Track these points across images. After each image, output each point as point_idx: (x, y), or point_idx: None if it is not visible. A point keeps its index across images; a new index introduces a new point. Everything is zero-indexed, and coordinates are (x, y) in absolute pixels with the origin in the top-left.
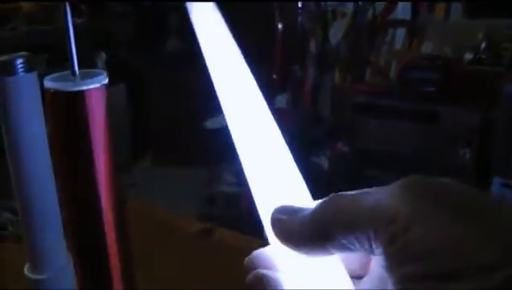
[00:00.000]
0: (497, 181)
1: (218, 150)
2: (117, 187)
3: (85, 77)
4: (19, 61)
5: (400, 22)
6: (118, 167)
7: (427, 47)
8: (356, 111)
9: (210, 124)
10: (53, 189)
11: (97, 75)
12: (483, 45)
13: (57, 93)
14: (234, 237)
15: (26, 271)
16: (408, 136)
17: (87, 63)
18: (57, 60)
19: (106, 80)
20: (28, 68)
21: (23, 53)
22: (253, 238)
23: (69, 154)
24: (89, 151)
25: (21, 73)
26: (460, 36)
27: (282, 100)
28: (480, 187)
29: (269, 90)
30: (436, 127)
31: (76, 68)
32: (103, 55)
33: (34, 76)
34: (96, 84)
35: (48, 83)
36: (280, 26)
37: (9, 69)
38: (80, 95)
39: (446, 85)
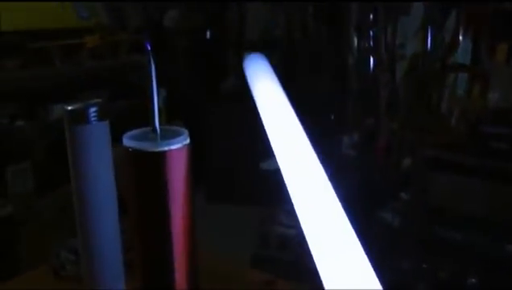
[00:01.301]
0: None
1: (273, 191)
2: (193, 241)
3: (167, 136)
4: (92, 110)
5: (461, 67)
6: None
7: (493, 96)
8: (426, 165)
9: (266, 165)
10: (117, 236)
11: (179, 134)
12: None
13: (138, 153)
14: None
15: None
16: (480, 194)
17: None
18: (119, 95)
19: (188, 140)
20: (101, 117)
21: (96, 101)
22: None
23: (147, 210)
24: (167, 207)
25: (93, 122)
26: None
27: (348, 146)
28: None
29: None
30: None
31: (158, 125)
32: (163, 92)
33: (106, 125)
34: (178, 145)
35: (129, 142)
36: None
37: (82, 118)
38: (162, 156)
39: None
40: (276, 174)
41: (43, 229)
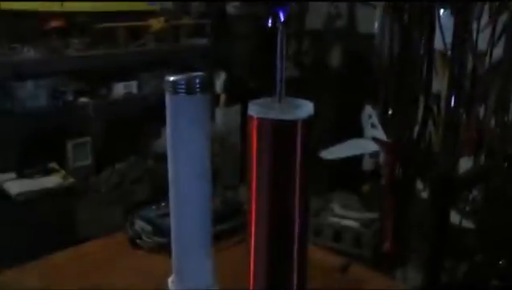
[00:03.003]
0: None
1: (330, 180)
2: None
3: (292, 107)
4: (197, 81)
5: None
6: (227, 187)
7: None
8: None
9: (325, 154)
10: (208, 210)
11: (304, 105)
12: None
13: (265, 121)
14: (367, 273)
15: (170, 283)
16: None
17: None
18: None
19: (312, 112)
20: (204, 89)
21: (201, 73)
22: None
23: (271, 177)
24: (292, 176)
25: (198, 93)
26: None
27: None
28: None
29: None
30: None
31: (283, 95)
32: (223, 75)
33: (208, 96)
34: (304, 115)
35: (256, 110)
36: None
37: (188, 88)
38: (291, 125)
39: None
40: (335, 163)
41: (99, 201)
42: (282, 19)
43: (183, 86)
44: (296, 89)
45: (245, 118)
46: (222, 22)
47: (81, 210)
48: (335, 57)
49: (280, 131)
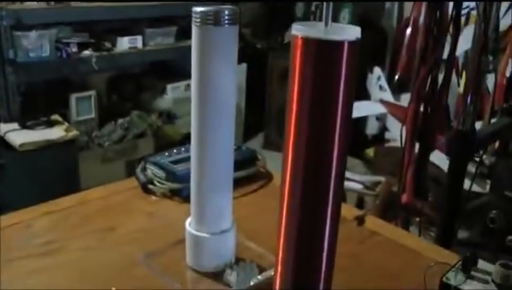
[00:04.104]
0: None
1: None
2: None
3: (339, 29)
4: (226, 13)
5: None
6: None
7: None
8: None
9: None
10: (232, 152)
11: (350, 29)
12: None
13: (311, 41)
14: (383, 226)
15: (188, 225)
16: None
17: None
18: (186, 33)
19: (360, 36)
20: (233, 21)
21: (230, 6)
22: (401, 230)
23: (315, 104)
24: (335, 102)
25: (226, 25)
26: None
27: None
28: None
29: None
30: None
31: (330, 19)
32: None
33: (236, 28)
34: (352, 37)
35: (301, 29)
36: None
37: (216, 20)
38: (336, 46)
39: None
40: None
41: (102, 155)
42: None
43: (211, 17)
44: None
45: (250, 78)
46: None
47: (84, 163)
48: (343, 18)
49: (326, 52)
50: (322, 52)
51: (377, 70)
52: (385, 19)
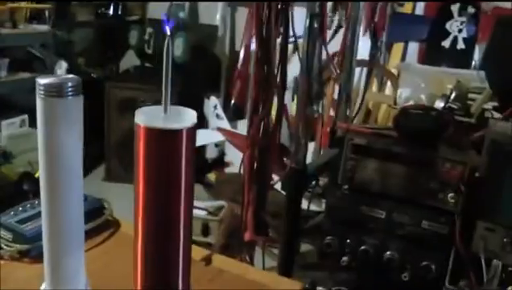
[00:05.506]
0: (480, 225)
1: None
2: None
3: (177, 115)
4: (69, 84)
5: (362, 62)
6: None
7: (405, 92)
8: (354, 152)
9: None
10: (81, 213)
11: (188, 113)
12: (453, 94)
13: (151, 130)
14: (230, 263)
15: None
16: (402, 179)
17: (47, 71)
18: (19, 65)
19: (196, 121)
20: (77, 92)
21: (73, 76)
22: (248, 266)
23: (158, 186)
24: (178, 184)
25: (70, 97)
26: (432, 83)
27: None
28: (465, 229)
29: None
30: (429, 172)
31: (169, 105)
32: (63, 64)
33: (81, 99)
34: (189, 123)
35: (143, 119)
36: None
37: (59, 92)
38: (175, 134)
39: (439, 134)
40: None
41: None
42: (169, 33)
43: (54, 90)
44: (138, 77)
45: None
46: (62, 8)
47: None
48: (177, 47)
49: (166, 140)
50: (162, 140)
51: (213, 99)
52: (218, 47)
